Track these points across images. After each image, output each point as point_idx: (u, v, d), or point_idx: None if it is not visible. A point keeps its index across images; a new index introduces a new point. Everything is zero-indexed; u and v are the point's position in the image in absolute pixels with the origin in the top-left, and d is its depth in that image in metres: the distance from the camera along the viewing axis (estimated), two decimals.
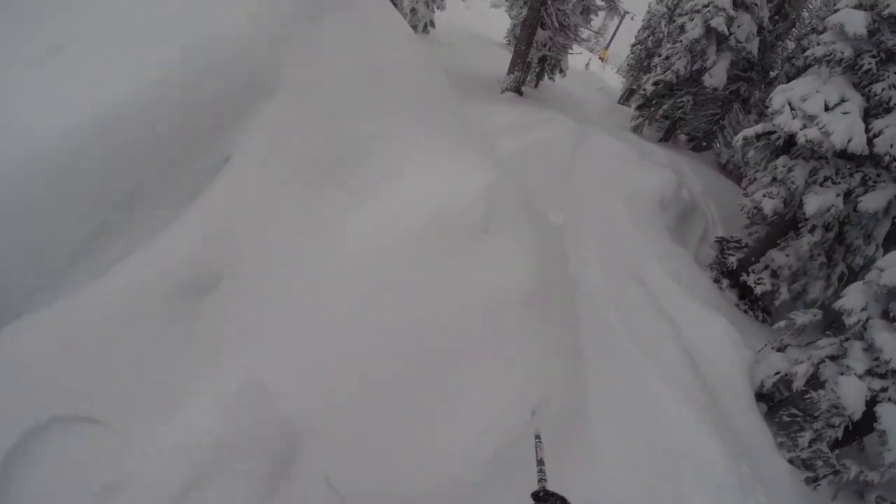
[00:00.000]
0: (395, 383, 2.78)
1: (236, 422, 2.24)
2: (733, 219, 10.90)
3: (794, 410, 6.71)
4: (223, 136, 2.78)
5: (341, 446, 2.48)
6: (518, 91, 15.26)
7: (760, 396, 7.17)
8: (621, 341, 5.56)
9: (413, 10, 21.60)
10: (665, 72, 15.96)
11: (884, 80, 8.15)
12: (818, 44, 8.71)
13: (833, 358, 6.79)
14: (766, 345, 7.46)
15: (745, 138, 9.51)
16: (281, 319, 2.57)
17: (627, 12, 35.18)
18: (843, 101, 8.23)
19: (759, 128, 9.33)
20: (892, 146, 7.77)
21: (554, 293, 4.18)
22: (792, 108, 8.60)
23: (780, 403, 7.11)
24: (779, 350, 7.51)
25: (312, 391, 2.49)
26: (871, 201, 8.05)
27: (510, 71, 14.94)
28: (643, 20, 24.62)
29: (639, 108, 17.24)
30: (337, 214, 3.07)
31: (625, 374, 5.08)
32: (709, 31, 14.77)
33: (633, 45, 24.87)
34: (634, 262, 7.41)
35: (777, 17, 14.92)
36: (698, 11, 14.83)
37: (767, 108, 8.95)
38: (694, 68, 15.39)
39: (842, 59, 8.30)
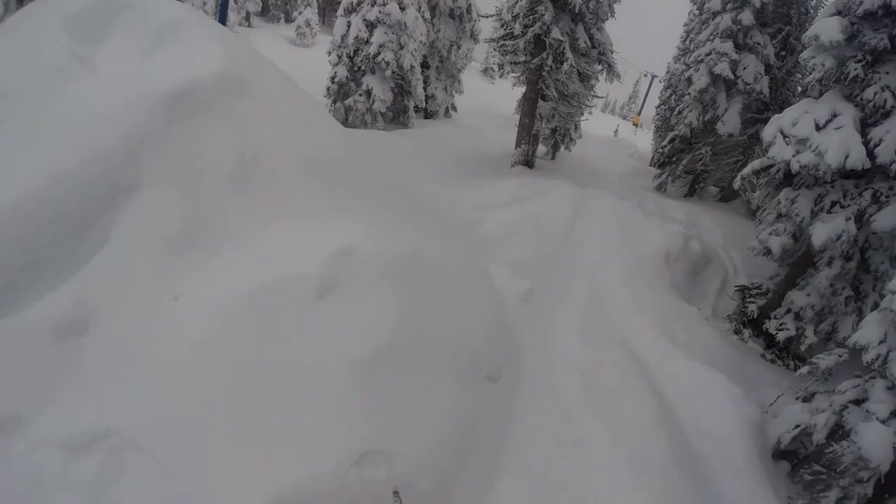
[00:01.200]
0: (209, 424, 3.09)
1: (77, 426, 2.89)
2: (761, 266, 10.25)
3: (816, 467, 5.89)
4: (103, 221, 3.49)
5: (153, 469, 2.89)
6: (528, 164, 15.60)
7: (783, 454, 6.39)
8: (577, 412, 5.33)
9: (432, 97, 23.12)
10: (679, 126, 15.92)
11: (875, 83, 7.73)
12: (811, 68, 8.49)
13: (857, 402, 6.01)
14: (779, 396, 6.72)
15: (742, 178, 9.17)
16: (127, 359, 3.17)
17: (655, 76, 35.98)
18: (834, 116, 7.87)
19: (756, 164, 9.02)
20: None
21: (423, 355, 4.16)
22: (784, 136, 8.28)
23: (805, 460, 6.28)
24: (805, 400, 6.75)
25: (136, 416, 3.00)
26: (886, 218, 7.40)
27: (517, 145, 15.45)
28: (663, 80, 24.93)
29: (660, 166, 17.12)
30: (187, 279, 3.55)
31: (565, 445, 4.77)
32: (715, 78, 14.85)
33: (658, 106, 25.05)
34: (623, 325, 7.15)
35: (784, 53, 14.77)
36: (702, 61, 15.00)
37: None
38: (707, 118, 15.31)
39: (825, 74, 8.00)
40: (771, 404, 6.67)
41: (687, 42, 23.25)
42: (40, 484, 2.68)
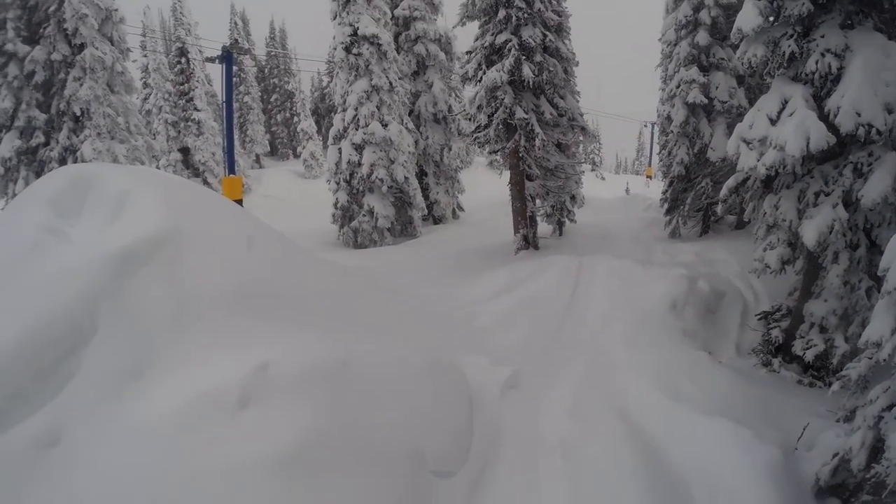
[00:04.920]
0: None
1: None
2: (782, 285, 9.80)
3: (865, 497, 5.32)
4: (71, 359, 4.46)
5: None
6: (533, 246, 15.78)
7: (830, 491, 5.80)
8: (553, 498, 5.19)
9: (436, 202, 23.94)
10: (673, 166, 16.14)
11: (813, 51, 7.51)
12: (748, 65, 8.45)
13: (891, 408, 5.52)
14: (805, 426, 6.23)
15: (722, 201, 9.09)
16: (86, 466, 3.91)
17: (653, 123, 36.55)
18: (784, 103, 7.72)
19: (730, 182, 8.95)
20: (858, 114, 6.86)
21: (342, 457, 4.54)
22: (747, 143, 8.15)
23: (855, 491, 5.69)
24: (846, 420, 6.20)
25: None
26: (874, 188, 6.90)
27: (515, 231, 15.73)
28: (658, 125, 25.40)
29: (667, 212, 17.11)
30: (134, 402, 4.34)
31: None
32: (692, 108, 15.23)
33: (659, 153, 25.32)
34: (619, 390, 6.94)
35: None
36: (675, 95, 15.50)
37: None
38: (696, 150, 15.48)
39: (761, 63, 8.03)
40: (798, 438, 6.19)
41: (666, 81, 23.91)
42: None
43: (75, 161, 17.31)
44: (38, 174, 17.68)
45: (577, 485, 5.29)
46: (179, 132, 32.72)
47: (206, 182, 31.51)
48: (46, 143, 18.35)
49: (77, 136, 18.05)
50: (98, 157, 17.38)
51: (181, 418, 4.11)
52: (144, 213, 5.69)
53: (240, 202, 13.63)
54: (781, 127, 7.55)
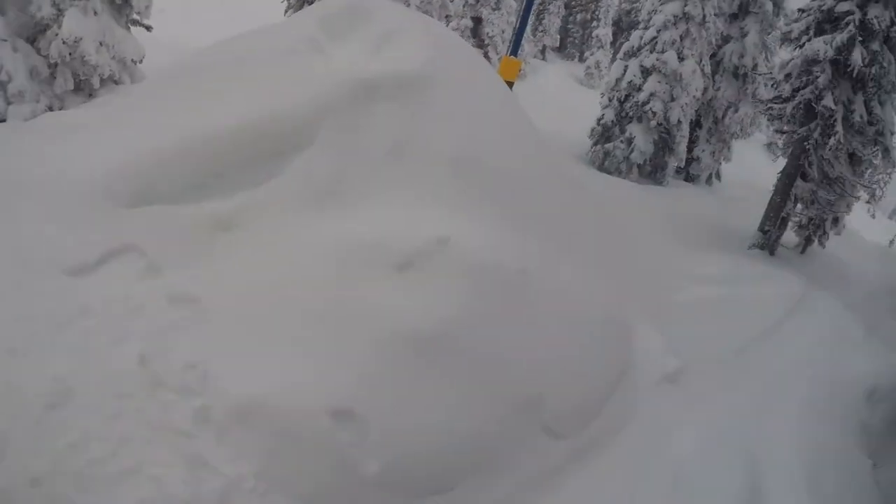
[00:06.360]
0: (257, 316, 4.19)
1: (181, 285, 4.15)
2: None
3: None
4: (280, 159, 4.95)
5: None
6: (769, 250, 14.14)
7: None
8: None
9: (696, 159, 22.53)
10: None
11: None
12: None
13: None
14: None
15: None
16: (243, 253, 4.51)
17: None
18: None
19: None
20: None
21: (463, 365, 4.37)
22: None
23: None
24: None
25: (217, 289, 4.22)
26: None
27: (761, 227, 14.13)
28: None
29: None
30: (315, 220, 4.72)
31: None
32: None
33: None
34: (761, 457, 5.92)
35: None
36: None
37: None
38: None
39: None
40: None
41: None
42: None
43: None
44: None
45: None
46: (478, 1, 32.07)
47: (486, 56, 31.84)
48: None
49: None
50: None
51: (350, 254, 4.37)
52: (401, 53, 5.70)
53: (510, 84, 13.85)
54: None
